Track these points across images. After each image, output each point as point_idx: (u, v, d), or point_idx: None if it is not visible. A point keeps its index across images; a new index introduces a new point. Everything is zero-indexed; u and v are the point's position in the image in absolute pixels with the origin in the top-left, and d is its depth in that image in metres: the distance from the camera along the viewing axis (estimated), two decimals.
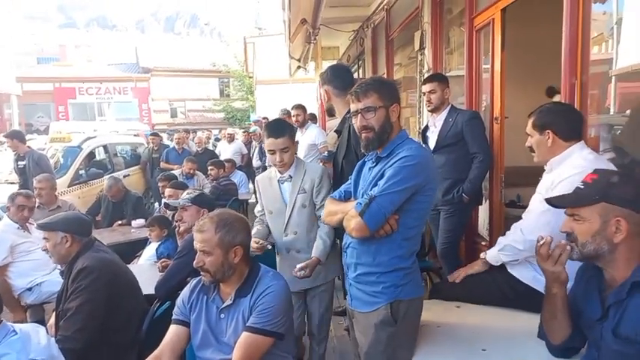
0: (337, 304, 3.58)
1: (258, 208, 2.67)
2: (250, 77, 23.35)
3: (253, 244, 2.27)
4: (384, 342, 1.74)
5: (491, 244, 3.29)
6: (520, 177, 3.30)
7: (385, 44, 6.27)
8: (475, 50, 3.65)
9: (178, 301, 1.92)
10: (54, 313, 2.52)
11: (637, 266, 1.35)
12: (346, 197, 1.95)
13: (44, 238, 2.46)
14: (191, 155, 7.30)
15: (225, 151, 9.08)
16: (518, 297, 2.04)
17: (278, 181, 2.52)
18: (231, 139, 9.50)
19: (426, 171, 1.71)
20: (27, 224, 3.68)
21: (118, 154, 8.70)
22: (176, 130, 13.71)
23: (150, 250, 3.77)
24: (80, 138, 7.97)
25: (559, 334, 1.56)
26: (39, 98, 24.43)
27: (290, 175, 2.49)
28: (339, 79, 2.52)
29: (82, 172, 7.22)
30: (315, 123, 6.72)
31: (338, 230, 2.24)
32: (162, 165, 7.83)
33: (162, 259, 3.30)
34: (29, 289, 3.54)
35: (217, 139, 12.47)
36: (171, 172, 6.20)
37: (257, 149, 8.51)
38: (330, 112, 2.58)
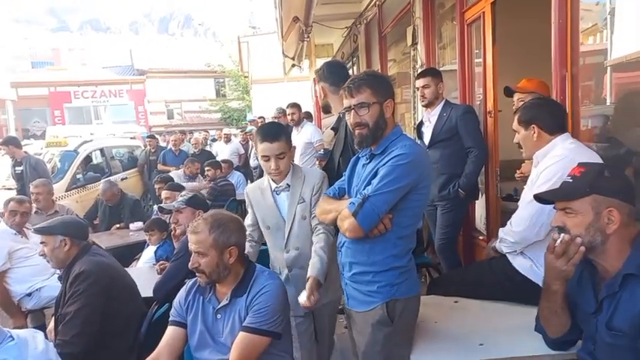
0: None
1: (247, 221, 2.28)
2: (246, 77, 23.32)
3: None
4: (380, 342, 1.72)
5: (489, 238, 3.32)
6: (516, 170, 3.31)
7: (378, 40, 6.27)
8: (467, 44, 3.65)
9: (175, 302, 1.92)
10: (53, 318, 2.53)
11: (628, 257, 1.36)
12: (340, 194, 1.93)
13: (42, 243, 2.45)
14: (188, 156, 7.32)
15: (223, 151, 9.07)
16: (515, 287, 2.06)
17: (273, 192, 2.21)
18: (227, 139, 9.49)
19: (419, 169, 1.69)
20: (24, 230, 3.68)
21: (115, 157, 8.70)
22: (173, 131, 13.70)
23: (148, 253, 3.77)
24: (76, 142, 7.97)
25: (558, 329, 1.57)
26: (34, 103, 24.37)
27: (288, 184, 2.18)
28: (335, 75, 2.48)
29: (79, 176, 7.23)
30: (311, 121, 6.72)
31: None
32: (160, 167, 7.84)
33: (161, 262, 3.31)
34: (29, 295, 3.55)
35: (213, 140, 12.45)
36: (169, 173, 6.21)
37: (254, 149, 8.51)
38: (326, 109, 2.53)
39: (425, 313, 1.93)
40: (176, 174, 6.46)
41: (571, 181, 1.44)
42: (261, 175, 7.92)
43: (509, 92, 2.85)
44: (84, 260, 2.37)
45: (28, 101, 23.29)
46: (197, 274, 1.83)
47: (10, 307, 3.51)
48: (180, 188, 3.95)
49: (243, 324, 1.77)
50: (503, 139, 3.30)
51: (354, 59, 8.11)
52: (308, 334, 2.23)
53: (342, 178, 1.97)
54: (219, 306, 1.84)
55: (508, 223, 2.09)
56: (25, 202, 3.77)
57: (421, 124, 3.48)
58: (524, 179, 2.74)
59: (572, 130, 2.23)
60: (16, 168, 6.10)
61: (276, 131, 2.15)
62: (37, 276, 3.55)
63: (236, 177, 6.98)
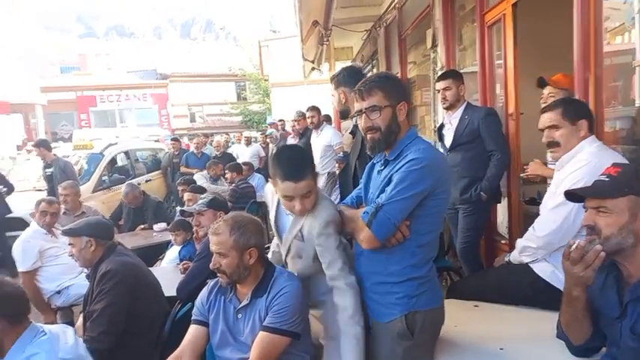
0: None
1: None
2: (266, 80, 23.54)
3: None
4: (400, 355, 1.66)
5: (511, 242, 3.28)
6: (523, 168, 3.24)
7: (398, 43, 6.26)
8: (487, 46, 3.61)
9: (197, 301, 1.96)
10: (81, 315, 2.62)
11: None
12: (358, 203, 1.87)
13: (70, 244, 2.56)
14: (210, 159, 7.44)
15: (243, 154, 9.19)
16: (537, 294, 2.03)
17: (279, 205, 1.92)
18: (248, 142, 9.61)
19: (435, 174, 1.59)
20: (53, 229, 3.82)
21: (139, 160, 8.89)
22: (195, 134, 13.95)
23: (172, 253, 3.86)
24: (102, 145, 8.19)
25: (580, 335, 1.54)
26: (62, 107, 25.10)
27: None
28: (355, 80, 2.43)
29: (105, 178, 7.42)
30: (331, 124, 6.74)
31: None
32: (183, 169, 7.99)
33: (184, 262, 3.38)
34: (58, 292, 3.68)
35: (232, 143, 12.61)
36: (193, 175, 6.33)
37: (274, 151, 8.59)
38: (345, 114, 2.49)
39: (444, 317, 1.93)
40: (201, 175, 6.57)
41: (607, 179, 1.39)
42: None
43: (542, 84, 2.77)
44: (110, 260, 2.45)
45: (56, 105, 24.03)
46: (218, 274, 1.87)
47: (41, 304, 3.64)
48: (202, 190, 4.03)
49: (264, 324, 1.79)
50: (525, 142, 3.26)
51: (374, 62, 8.11)
52: None
53: (360, 186, 1.90)
54: (239, 306, 1.88)
55: (530, 229, 2.05)
56: (54, 203, 3.90)
57: (442, 126, 3.46)
58: (534, 179, 2.70)
59: (596, 133, 2.19)
60: (47, 170, 6.32)
61: (300, 166, 1.72)
62: (66, 274, 3.67)
63: (256, 179, 7.05)
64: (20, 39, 18.36)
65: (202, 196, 3.16)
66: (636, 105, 2.37)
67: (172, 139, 9.51)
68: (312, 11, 5.56)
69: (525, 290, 2.07)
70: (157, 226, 4.89)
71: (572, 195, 1.49)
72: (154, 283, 2.63)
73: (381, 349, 1.72)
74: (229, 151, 9.71)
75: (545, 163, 2.65)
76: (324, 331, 1.92)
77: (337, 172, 4.55)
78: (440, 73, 4.02)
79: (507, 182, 3.40)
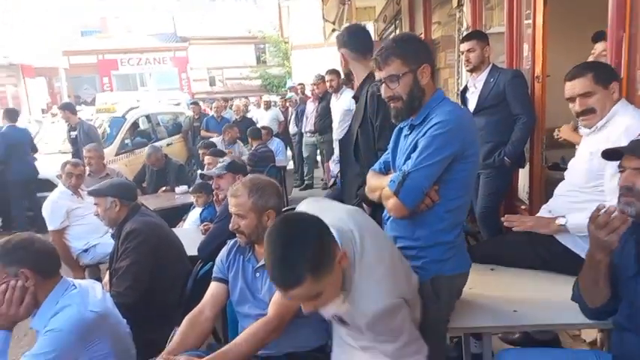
0: None
1: None
2: (286, 42, 23.11)
3: None
4: (425, 317, 1.61)
5: (531, 207, 3.23)
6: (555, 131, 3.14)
7: (423, 2, 6.02)
8: (516, 4, 3.44)
9: (217, 260, 2.02)
10: (107, 272, 2.74)
11: None
12: (387, 168, 1.83)
13: (95, 204, 2.65)
14: (229, 123, 7.48)
15: (263, 118, 9.17)
16: (553, 258, 2.02)
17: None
18: (267, 106, 9.57)
19: (461, 135, 1.54)
20: (79, 191, 3.95)
21: (161, 124, 8.99)
22: (215, 98, 13.94)
23: (194, 215, 3.96)
24: (124, 108, 8.29)
25: (597, 299, 1.54)
26: (84, 71, 25.30)
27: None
28: (355, 40, 2.29)
29: (127, 141, 7.56)
30: (351, 87, 6.63)
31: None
32: (203, 133, 8.06)
33: (205, 223, 3.47)
34: (85, 251, 3.85)
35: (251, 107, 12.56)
36: (211, 139, 6.39)
37: (293, 115, 8.55)
38: (348, 78, 2.34)
39: None
40: (217, 140, 6.63)
41: None
42: (300, 142, 7.98)
43: (598, 37, 2.62)
44: (134, 220, 2.53)
45: (78, 69, 24.21)
46: (237, 234, 1.92)
47: (70, 261, 3.82)
48: (222, 154, 4.08)
49: None
50: (550, 106, 3.15)
51: (397, 22, 7.85)
52: None
53: (388, 152, 1.85)
54: (257, 265, 1.93)
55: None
56: (79, 165, 4.02)
57: (465, 89, 3.36)
58: (567, 143, 2.60)
59: (627, 96, 2.10)
60: (71, 133, 6.47)
61: (290, 269, 1.21)
62: (92, 234, 3.82)
63: (275, 144, 7.07)
64: (41, 1, 18.34)
65: (221, 160, 3.20)
66: None
67: (192, 103, 9.55)
68: None
69: (543, 254, 2.06)
70: (178, 189, 5.00)
71: (609, 154, 1.43)
72: (176, 243, 2.71)
73: None
74: (249, 115, 9.71)
75: (576, 128, 2.57)
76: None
77: None
78: (465, 33, 3.87)
79: (530, 146, 3.32)
